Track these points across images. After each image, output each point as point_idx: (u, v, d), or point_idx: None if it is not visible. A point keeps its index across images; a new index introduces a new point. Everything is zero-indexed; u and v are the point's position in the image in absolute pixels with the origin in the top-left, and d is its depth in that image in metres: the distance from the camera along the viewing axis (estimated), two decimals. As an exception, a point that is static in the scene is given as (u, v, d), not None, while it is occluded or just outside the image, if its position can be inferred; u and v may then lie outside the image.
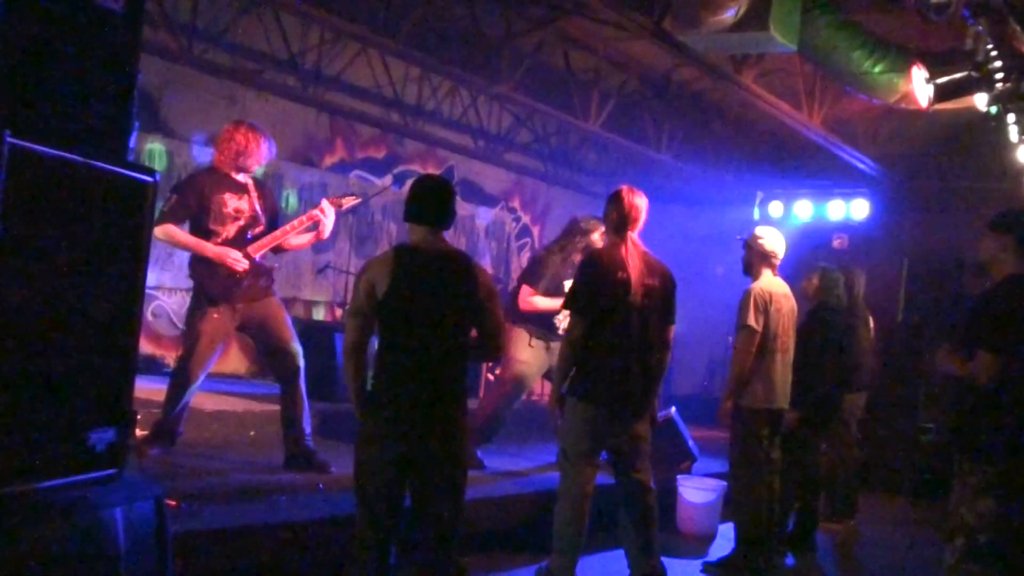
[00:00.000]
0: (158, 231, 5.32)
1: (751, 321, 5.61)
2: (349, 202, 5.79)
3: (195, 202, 5.39)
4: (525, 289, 6.32)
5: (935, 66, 6.43)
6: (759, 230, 5.92)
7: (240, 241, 5.45)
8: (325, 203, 5.58)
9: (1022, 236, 4.14)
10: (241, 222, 5.48)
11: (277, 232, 5.55)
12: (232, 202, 5.46)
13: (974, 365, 4.02)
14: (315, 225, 5.57)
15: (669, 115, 11.36)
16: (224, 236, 5.42)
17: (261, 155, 5.53)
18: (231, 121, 5.79)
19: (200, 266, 5.42)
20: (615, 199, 4.93)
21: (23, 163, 2.67)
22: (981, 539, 3.98)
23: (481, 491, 5.54)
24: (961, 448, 4.14)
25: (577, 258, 5.98)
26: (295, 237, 5.61)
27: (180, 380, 5.41)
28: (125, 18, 3.05)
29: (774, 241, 5.82)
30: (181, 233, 5.40)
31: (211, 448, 5.86)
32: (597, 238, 6.14)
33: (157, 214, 5.34)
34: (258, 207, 5.56)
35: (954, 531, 4.07)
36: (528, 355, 6.38)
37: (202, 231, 5.40)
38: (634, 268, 4.79)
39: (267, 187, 5.81)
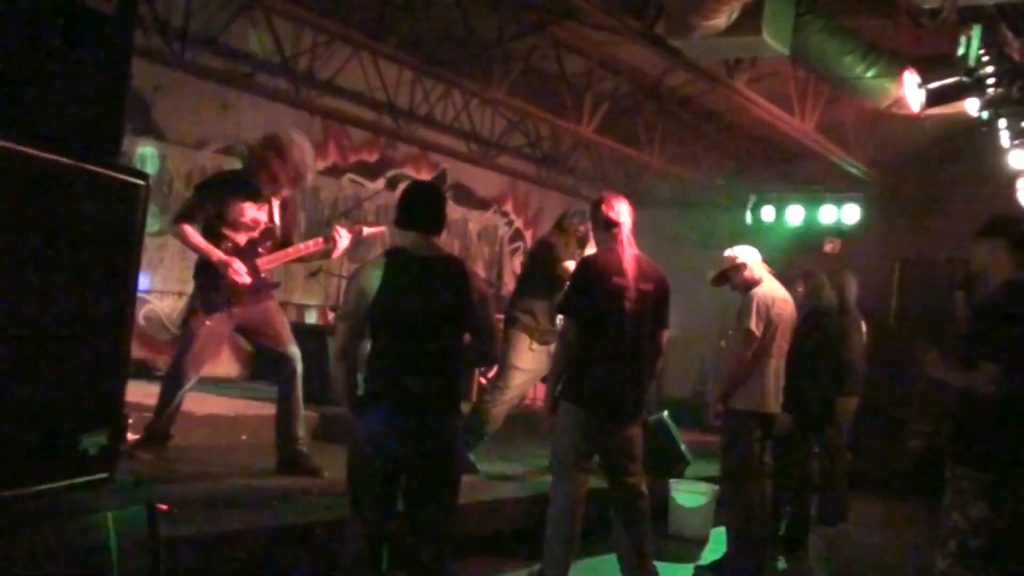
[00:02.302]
0: (174, 228, 5.32)
1: (752, 325, 5.59)
2: (371, 231, 5.74)
3: (213, 205, 5.35)
4: (567, 265, 6.16)
5: (927, 71, 6.45)
6: (730, 252, 5.85)
7: (249, 252, 5.40)
8: (341, 228, 5.49)
9: (1013, 238, 4.14)
10: (255, 233, 5.44)
11: (289, 250, 5.51)
12: (251, 211, 5.40)
13: (977, 375, 4.00)
14: (329, 247, 5.52)
15: (661, 119, 11.37)
16: (234, 244, 5.38)
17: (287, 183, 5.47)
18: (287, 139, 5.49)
19: (206, 270, 5.38)
20: (601, 205, 4.95)
21: (13, 165, 2.66)
22: (973, 544, 3.98)
23: (474, 495, 5.53)
24: (956, 453, 4.13)
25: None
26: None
27: (173, 382, 5.39)
28: (117, 20, 3.04)
29: (746, 254, 5.79)
30: (194, 234, 5.33)
31: (203, 452, 5.84)
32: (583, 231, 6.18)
33: (177, 211, 5.39)
34: (276, 220, 5.51)
35: (946, 535, 4.07)
36: (528, 362, 6.31)
37: (214, 235, 5.35)
38: (629, 273, 4.80)
39: (291, 202, 5.70)
